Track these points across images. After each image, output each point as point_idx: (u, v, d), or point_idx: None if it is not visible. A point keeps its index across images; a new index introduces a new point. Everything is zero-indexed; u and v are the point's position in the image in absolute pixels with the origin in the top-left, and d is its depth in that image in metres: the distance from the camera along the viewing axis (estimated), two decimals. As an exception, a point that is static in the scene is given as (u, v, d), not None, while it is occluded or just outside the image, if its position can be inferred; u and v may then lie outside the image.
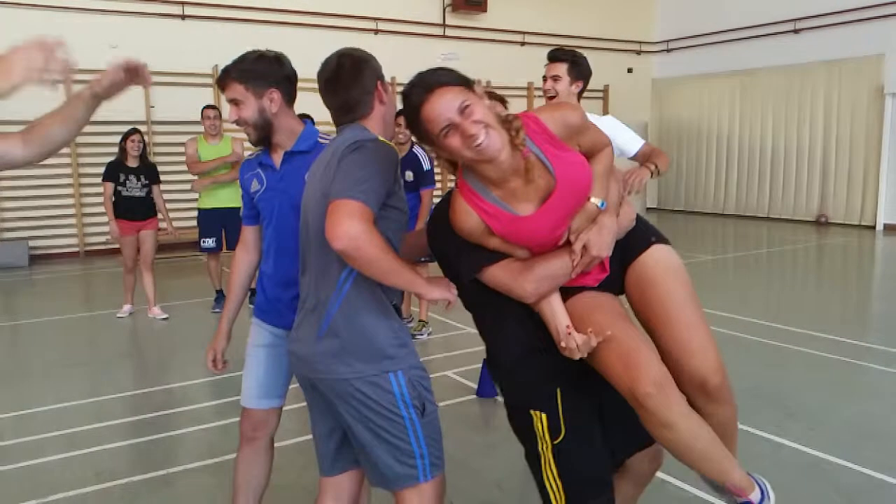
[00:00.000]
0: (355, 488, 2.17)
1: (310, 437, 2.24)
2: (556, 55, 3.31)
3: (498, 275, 1.85)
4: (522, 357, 1.94)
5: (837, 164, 13.19)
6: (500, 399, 4.34)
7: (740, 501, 1.89)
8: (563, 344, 1.81)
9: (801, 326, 6.00)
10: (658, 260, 1.95)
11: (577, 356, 1.79)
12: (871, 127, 12.63)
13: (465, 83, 1.71)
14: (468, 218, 1.79)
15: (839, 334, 5.77)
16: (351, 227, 1.65)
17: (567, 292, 1.90)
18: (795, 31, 13.39)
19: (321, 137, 2.41)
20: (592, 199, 1.81)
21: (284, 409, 2.58)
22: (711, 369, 1.80)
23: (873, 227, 12.60)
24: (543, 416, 1.88)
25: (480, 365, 4.59)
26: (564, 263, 1.81)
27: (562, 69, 3.25)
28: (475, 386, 4.58)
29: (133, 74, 1.79)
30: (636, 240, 1.97)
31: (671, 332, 1.86)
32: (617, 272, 1.97)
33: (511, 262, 1.84)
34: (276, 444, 2.61)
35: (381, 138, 1.95)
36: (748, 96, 14.43)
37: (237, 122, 2.37)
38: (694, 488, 3.14)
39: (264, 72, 2.32)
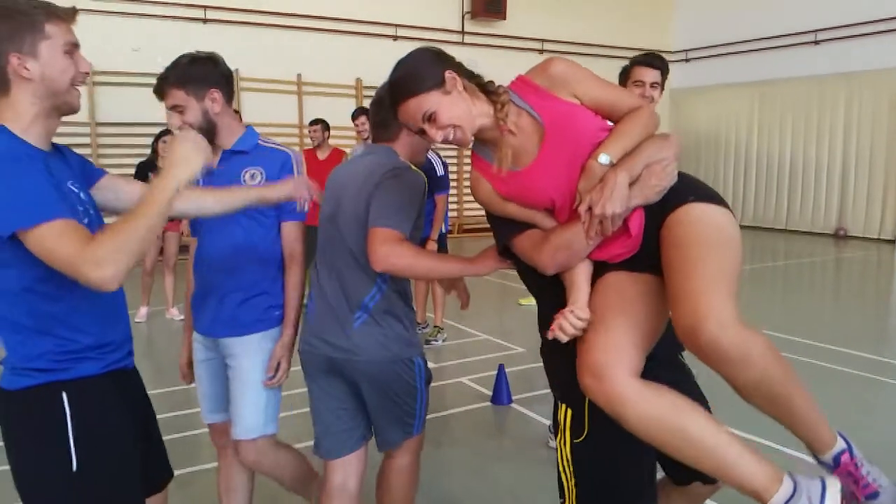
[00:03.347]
0: (362, 467, 2.38)
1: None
2: (654, 62, 3.21)
3: (522, 245, 1.83)
4: (555, 345, 1.83)
5: (857, 176, 13.08)
6: (514, 406, 4.36)
7: None
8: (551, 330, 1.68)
9: (819, 340, 5.94)
10: (683, 219, 1.66)
11: (562, 338, 1.69)
12: (891, 140, 12.51)
13: (429, 86, 1.71)
14: (480, 185, 1.83)
15: (858, 349, 5.71)
16: (387, 252, 2.03)
17: (604, 270, 1.76)
18: (815, 43, 13.30)
19: (262, 141, 2.45)
20: (596, 157, 1.67)
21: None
22: (701, 316, 1.46)
23: (893, 242, 12.47)
24: (569, 410, 1.85)
25: (495, 372, 4.60)
26: (576, 230, 1.68)
27: (659, 77, 3.20)
28: (490, 393, 4.58)
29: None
30: (670, 201, 1.70)
31: (668, 287, 1.61)
32: (655, 239, 1.71)
33: (535, 232, 1.81)
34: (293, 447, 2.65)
35: (413, 167, 2.25)
36: (767, 107, 14.35)
37: (181, 129, 2.35)
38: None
39: (202, 74, 2.32)
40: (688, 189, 1.72)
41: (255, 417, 2.41)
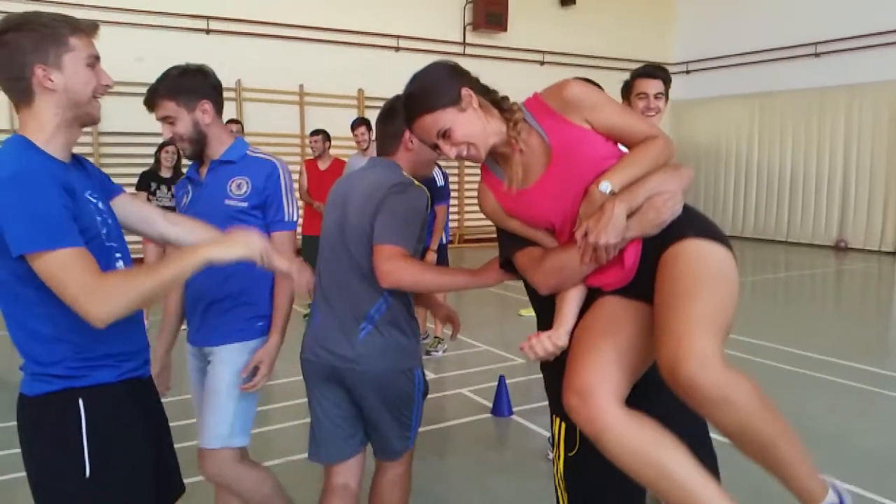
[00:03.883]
0: (361, 471, 2.43)
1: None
2: (655, 73, 3.20)
3: (522, 261, 1.83)
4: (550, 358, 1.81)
5: (857, 188, 13.10)
6: (515, 418, 4.34)
7: None
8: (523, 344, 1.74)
9: (819, 352, 5.93)
10: (681, 253, 1.62)
11: (530, 357, 1.74)
12: (891, 152, 12.54)
13: (445, 103, 1.70)
14: (486, 199, 1.85)
15: (859, 361, 5.69)
16: (392, 269, 2.08)
17: (600, 294, 1.75)
18: (816, 55, 13.36)
19: (250, 151, 2.46)
20: (598, 183, 1.65)
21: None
22: (682, 355, 1.43)
23: (893, 254, 12.47)
24: (563, 424, 1.86)
25: (496, 383, 4.59)
26: (572, 255, 1.69)
27: (662, 87, 3.20)
28: (490, 404, 4.57)
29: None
30: (670, 234, 1.67)
31: (656, 321, 1.57)
32: (653, 269, 1.68)
33: (535, 249, 1.81)
34: (288, 459, 2.65)
35: (417, 182, 2.27)
36: (767, 119, 14.39)
37: (171, 140, 2.39)
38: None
39: (192, 85, 2.34)
40: (690, 223, 1.69)
41: (222, 427, 2.36)
